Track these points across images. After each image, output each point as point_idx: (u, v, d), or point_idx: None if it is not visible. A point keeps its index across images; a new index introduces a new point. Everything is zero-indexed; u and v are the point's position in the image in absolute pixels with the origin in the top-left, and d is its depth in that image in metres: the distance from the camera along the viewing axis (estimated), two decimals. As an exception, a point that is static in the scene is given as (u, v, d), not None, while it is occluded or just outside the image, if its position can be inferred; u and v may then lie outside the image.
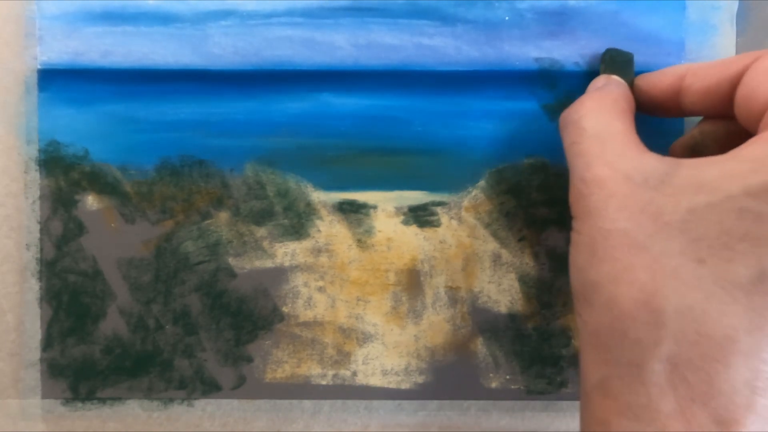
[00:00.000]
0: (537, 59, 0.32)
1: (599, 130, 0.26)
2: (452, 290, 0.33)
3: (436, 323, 0.33)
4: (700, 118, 0.30)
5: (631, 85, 0.30)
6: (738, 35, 0.32)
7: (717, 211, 0.22)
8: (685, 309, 0.22)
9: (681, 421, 0.22)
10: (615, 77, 0.30)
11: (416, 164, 0.33)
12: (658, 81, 0.29)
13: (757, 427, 0.22)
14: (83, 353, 0.33)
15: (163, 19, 0.32)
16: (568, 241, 0.32)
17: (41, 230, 0.32)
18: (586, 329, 0.25)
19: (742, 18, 0.32)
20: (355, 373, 0.33)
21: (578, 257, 0.26)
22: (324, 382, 0.33)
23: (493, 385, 0.33)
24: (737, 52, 0.32)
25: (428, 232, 0.33)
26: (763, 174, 0.22)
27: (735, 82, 0.26)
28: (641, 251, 0.23)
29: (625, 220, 0.24)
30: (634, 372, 0.23)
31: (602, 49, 0.32)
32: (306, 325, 0.33)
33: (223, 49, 0.32)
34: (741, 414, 0.22)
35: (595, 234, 0.25)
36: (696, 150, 0.29)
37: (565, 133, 0.28)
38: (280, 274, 0.33)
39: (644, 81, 0.30)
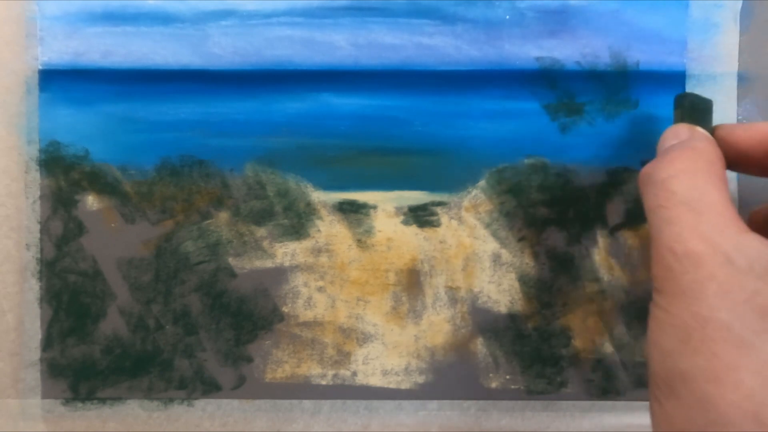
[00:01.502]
0: (538, 58, 0.32)
1: (693, 197, 0.23)
2: (452, 290, 0.33)
3: (436, 323, 0.33)
4: None
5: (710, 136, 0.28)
6: (741, 34, 0.32)
7: None
8: None
9: None
10: (701, 131, 0.27)
11: (416, 164, 0.32)
12: (746, 137, 0.26)
13: None
14: (83, 353, 0.33)
15: (163, 19, 0.32)
16: (568, 241, 0.33)
17: (41, 230, 0.32)
18: (668, 422, 0.23)
19: (746, 16, 0.32)
20: (355, 373, 0.33)
21: (664, 339, 0.23)
22: (324, 382, 0.33)
23: (493, 385, 0.33)
24: (740, 51, 0.32)
25: (428, 232, 0.33)
26: None
27: None
28: (748, 351, 0.21)
29: (727, 311, 0.21)
30: None
31: (603, 48, 0.32)
32: (306, 325, 0.33)
33: (223, 49, 0.32)
34: None
35: (688, 319, 0.22)
36: None
37: (648, 192, 0.25)
38: (280, 274, 0.33)
39: (728, 134, 0.27)
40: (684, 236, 0.23)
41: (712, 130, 0.28)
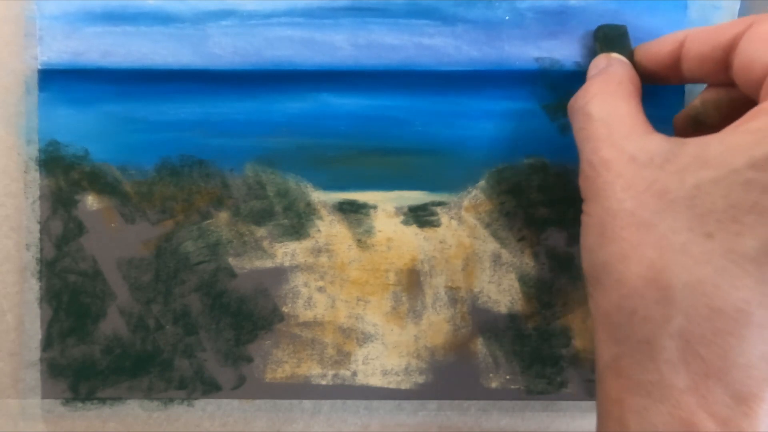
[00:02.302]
0: (537, 59, 0.32)
1: (605, 114, 0.26)
2: (452, 290, 0.33)
3: (436, 323, 0.33)
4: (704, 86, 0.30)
5: (631, 57, 0.30)
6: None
7: (723, 185, 0.22)
8: (695, 284, 0.22)
9: (695, 396, 0.22)
10: (615, 56, 0.30)
11: (416, 164, 0.33)
12: (657, 50, 0.29)
13: None
14: (83, 353, 0.33)
15: (163, 19, 0.32)
16: (568, 241, 0.33)
17: (41, 230, 0.32)
18: (597, 310, 0.26)
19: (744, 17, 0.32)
20: (355, 373, 0.33)
21: (588, 239, 0.26)
22: (324, 382, 0.33)
23: (493, 385, 0.33)
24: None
25: (428, 232, 0.33)
26: (766, 145, 0.22)
27: (730, 49, 0.26)
28: (648, 229, 0.23)
29: (631, 200, 0.24)
30: (644, 349, 0.23)
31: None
32: (306, 325, 0.33)
33: (223, 49, 0.32)
34: (759, 388, 0.22)
35: (603, 215, 0.25)
36: (699, 120, 0.29)
37: (573, 119, 0.28)
38: (280, 274, 0.33)
39: (643, 52, 0.30)
40: (598, 147, 0.26)
41: (631, 53, 0.30)
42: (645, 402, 0.23)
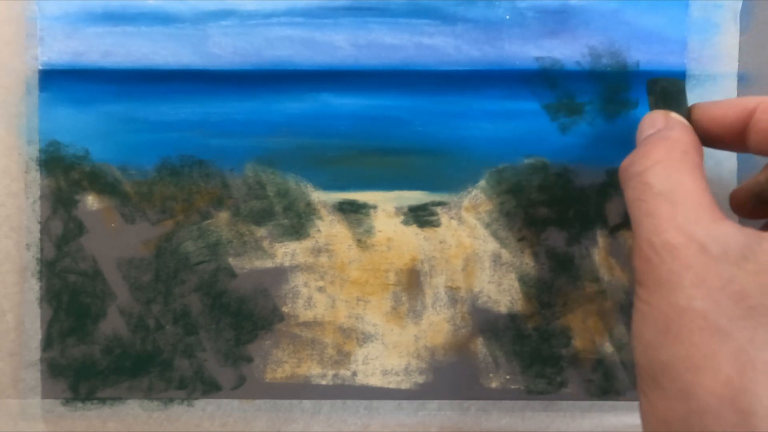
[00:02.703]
0: (538, 58, 0.32)
1: (669, 188, 0.24)
2: (452, 290, 0.33)
3: (436, 323, 0.33)
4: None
5: (687, 116, 0.28)
6: (741, 34, 0.32)
7: None
8: None
9: None
10: (676, 116, 0.27)
11: (416, 164, 0.32)
12: (722, 114, 0.26)
13: None
14: (83, 353, 0.33)
15: (164, 19, 0.32)
16: (568, 241, 0.33)
17: (41, 230, 0.32)
18: (654, 414, 0.23)
19: (746, 16, 0.32)
20: (355, 373, 0.33)
21: (646, 332, 0.23)
22: (324, 382, 0.33)
23: (493, 385, 0.33)
24: (740, 51, 0.32)
25: (428, 232, 0.33)
26: None
27: None
28: (724, 338, 0.21)
29: (702, 299, 0.21)
30: None
31: (603, 48, 0.32)
32: (306, 325, 0.33)
33: (223, 49, 0.32)
34: None
35: (667, 309, 0.22)
36: (762, 198, 0.27)
37: (627, 186, 0.25)
38: (280, 274, 0.33)
39: (704, 112, 0.27)
40: (661, 228, 0.23)
41: (688, 111, 0.28)
42: None
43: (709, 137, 0.27)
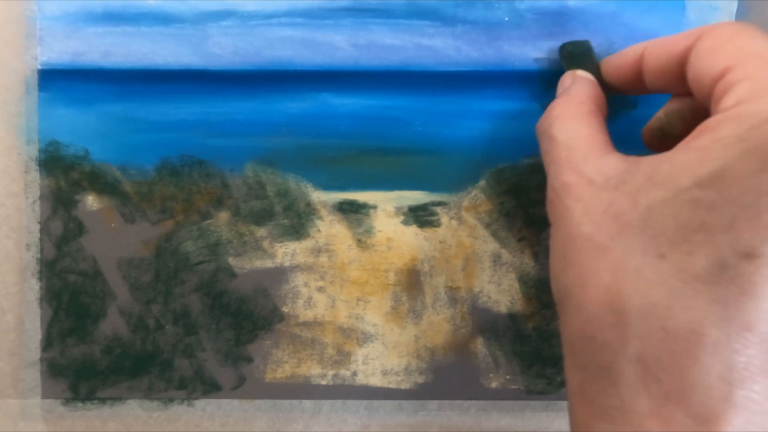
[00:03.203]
0: (537, 59, 0.32)
1: (567, 136, 0.26)
2: (452, 290, 0.33)
3: (436, 323, 0.33)
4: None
5: (598, 72, 0.30)
6: (737, 35, 0.32)
7: (672, 205, 0.22)
8: (649, 307, 0.22)
9: (658, 420, 0.22)
10: (580, 73, 0.30)
11: (416, 164, 0.33)
12: (620, 63, 0.29)
13: (741, 421, 0.21)
14: (83, 353, 0.33)
15: (164, 19, 0.32)
16: (568, 240, 0.33)
17: (41, 230, 0.32)
18: (564, 336, 0.25)
19: (741, 18, 0.32)
20: (355, 373, 0.33)
21: (553, 264, 0.26)
22: (324, 382, 0.33)
23: (493, 385, 0.33)
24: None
25: (428, 232, 0.33)
26: (709, 163, 0.21)
27: (684, 61, 0.26)
28: (605, 253, 0.23)
29: (588, 224, 0.24)
30: (605, 375, 0.23)
31: (602, 49, 0.32)
32: (306, 325, 0.33)
33: (223, 49, 0.32)
34: (721, 409, 0.21)
35: (563, 239, 0.25)
36: (665, 131, 0.29)
37: (539, 142, 0.28)
38: (280, 274, 0.33)
39: (608, 65, 0.30)
40: (560, 171, 0.26)
41: (598, 67, 0.30)
42: (609, 427, 0.23)
43: (617, 86, 0.30)
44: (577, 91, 0.29)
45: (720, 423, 0.21)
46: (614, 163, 0.24)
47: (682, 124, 0.28)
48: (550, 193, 0.26)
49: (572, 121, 0.27)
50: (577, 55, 0.31)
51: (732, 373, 0.21)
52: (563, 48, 0.31)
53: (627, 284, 0.23)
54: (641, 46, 0.28)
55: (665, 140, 0.29)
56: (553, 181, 0.26)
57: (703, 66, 0.24)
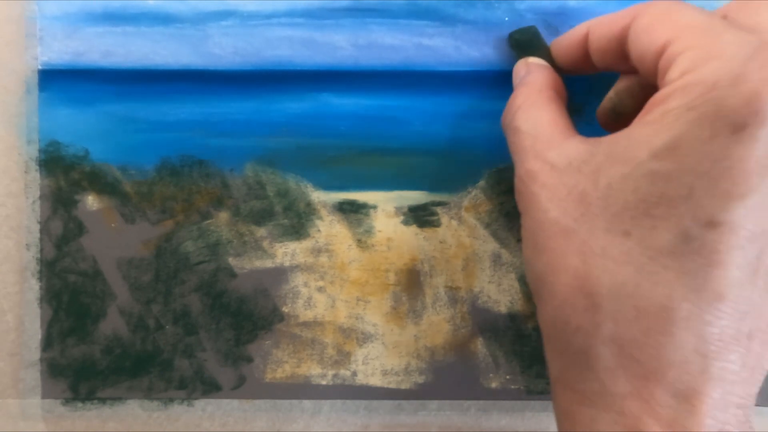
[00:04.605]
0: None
1: (530, 125, 0.26)
2: (452, 290, 0.33)
3: (436, 323, 0.33)
4: None
5: (549, 56, 0.30)
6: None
7: (631, 180, 0.22)
8: (619, 286, 0.22)
9: (638, 401, 0.22)
10: (533, 61, 0.30)
11: (416, 164, 0.33)
12: (568, 43, 0.29)
13: (720, 393, 0.21)
14: (83, 353, 0.33)
15: (164, 19, 0.32)
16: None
17: (41, 230, 0.32)
18: (541, 323, 0.25)
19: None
20: (355, 373, 0.33)
21: (526, 252, 0.26)
22: (324, 382, 0.33)
23: (493, 385, 0.33)
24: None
25: (428, 232, 0.33)
26: (663, 134, 0.22)
27: (624, 39, 0.26)
28: (571, 236, 0.23)
29: (555, 209, 0.24)
30: (582, 359, 0.23)
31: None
32: (306, 325, 0.33)
33: (223, 49, 0.32)
34: (699, 383, 0.21)
35: (533, 226, 0.25)
36: (617, 111, 0.29)
37: (506, 136, 0.28)
38: (280, 274, 0.33)
39: (557, 47, 0.30)
40: (525, 160, 0.26)
41: (548, 51, 0.30)
42: (591, 412, 0.23)
43: (568, 67, 0.30)
44: (534, 79, 0.29)
45: (699, 397, 0.21)
46: (575, 145, 0.24)
47: (632, 101, 0.28)
48: (517, 183, 0.26)
49: (534, 110, 0.27)
50: (525, 42, 0.31)
51: (707, 345, 0.21)
52: (511, 37, 0.31)
53: (595, 266, 0.23)
54: (585, 25, 0.28)
55: (618, 120, 0.29)
56: (519, 170, 0.26)
57: (643, 43, 0.24)
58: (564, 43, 0.29)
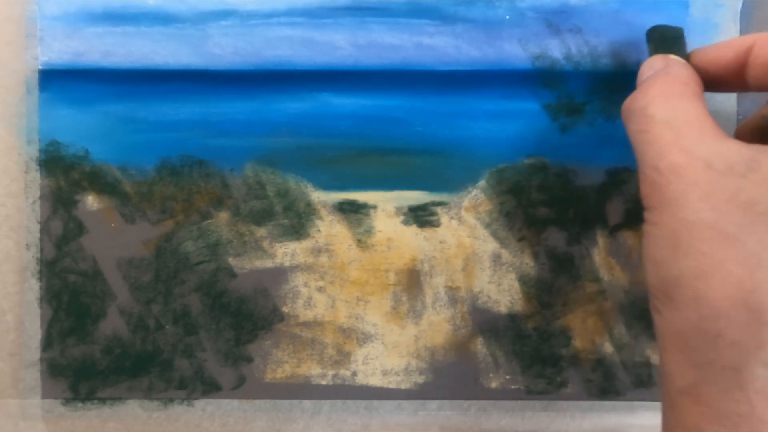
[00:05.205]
0: (537, 58, 0.32)
1: (671, 116, 0.24)
2: (452, 290, 0.33)
3: (436, 323, 0.33)
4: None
5: (687, 61, 0.28)
6: (741, 33, 0.32)
7: None
8: None
9: None
10: (674, 57, 0.28)
11: (416, 164, 0.33)
12: (720, 55, 0.27)
13: None
14: (83, 353, 0.33)
15: (164, 19, 0.32)
16: (568, 241, 0.33)
17: (41, 230, 0.32)
18: (668, 328, 0.24)
19: (746, 16, 0.32)
20: (355, 373, 0.33)
21: (656, 251, 0.24)
22: (324, 382, 0.33)
23: (493, 385, 0.33)
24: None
25: (428, 232, 0.33)
26: None
27: None
28: (733, 244, 0.22)
29: (710, 211, 0.22)
30: (731, 377, 0.21)
31: (604, 48, 0.32)
32: (306, 325, 0.33)
33: (223, 49, 0.32)
34: None
35: (676, 226, 0.23)
36: (766, 132, 0.28)
37: (630, 121, 0.26)
38: (280, 274, 0.33)
39: (703, 56, 0.28)
40: (665, 152, 0.24)
41: (688, 57, 0.28)
42: None
43: (709, 80, 0.27)
44: (678, 71, 0.27)
45: None
46: (737, 148, 0.23)
47: None
48: (651, 175, 0.24)
49: (677, 101, 0.25)
50: (668, 40, 0.29)
51: None
52: (654, 30, 0.29)
53: (766, 280, 0.21)
54: (750, 38, 0.26)
55: (765, 141, 0.27)
56: (655, 162, 0.24)
57: None
58: (715, 52, 0.27)
